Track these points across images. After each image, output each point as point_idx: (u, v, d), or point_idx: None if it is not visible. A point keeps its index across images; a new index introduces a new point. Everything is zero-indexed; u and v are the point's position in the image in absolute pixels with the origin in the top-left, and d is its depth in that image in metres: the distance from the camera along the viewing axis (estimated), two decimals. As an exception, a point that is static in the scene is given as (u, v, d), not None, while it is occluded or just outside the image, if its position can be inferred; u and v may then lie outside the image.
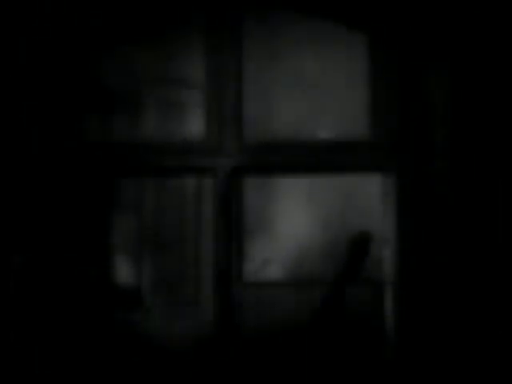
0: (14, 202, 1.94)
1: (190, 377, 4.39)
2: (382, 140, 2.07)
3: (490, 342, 1.85)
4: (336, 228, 4.56)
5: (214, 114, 2.09)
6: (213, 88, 2.10)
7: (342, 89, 4.59)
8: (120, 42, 4.57)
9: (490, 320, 1.86)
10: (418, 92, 2.02)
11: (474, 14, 1.93)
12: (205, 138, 2.08)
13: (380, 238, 2.62)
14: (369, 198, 3.95)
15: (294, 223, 4.69)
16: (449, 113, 1.95)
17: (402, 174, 2.03)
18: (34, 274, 1.94)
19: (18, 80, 1.98)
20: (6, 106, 1.96)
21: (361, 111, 4.15)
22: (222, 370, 2.00)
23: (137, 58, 4.78)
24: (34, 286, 1.93)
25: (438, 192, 1.94)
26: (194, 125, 4.63)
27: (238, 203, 4.66)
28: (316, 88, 4.63)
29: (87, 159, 2.09)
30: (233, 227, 3.33)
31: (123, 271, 4.96)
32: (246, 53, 2.11)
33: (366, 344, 4.22)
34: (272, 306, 4.54)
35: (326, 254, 4.58)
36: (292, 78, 4.68)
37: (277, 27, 4.51)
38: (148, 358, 4.49)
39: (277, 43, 4.62)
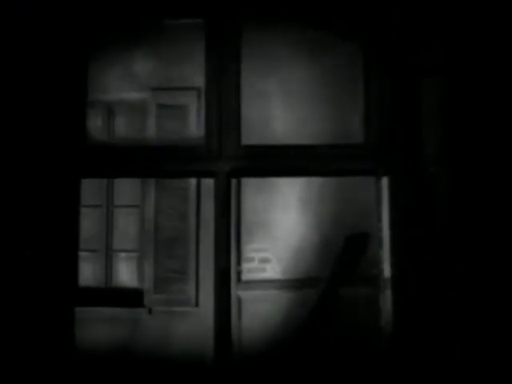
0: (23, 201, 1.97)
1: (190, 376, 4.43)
2: (376, 143, 2.11)
3: (487, 340, 1.87)
4: (333, 228, 4.60)
5: (213, 118, 2.13)
6: (212, 94, 2.14)
7: (337, 94, 4.64)
8: (121, 46, 4.61)
9: (488, 317, 1.88)
10: (411, 97, 2.06)
11: (468, 24, 1.97)
12: (205, 142, 2.12)
13: (376, 238, 2.67)
14: (365, 200, 3.98)
15: (291, 224, 4.73)
16: (441, 117, 1.99)
17: (395, 176, 2.07)
18: (42, 268, 1.97)
19: (18, 79, 2.01)
20: (5, 105, 1.99)
21: (355, 116, 4.20)
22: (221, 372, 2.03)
23: (138, 63, 4.82)
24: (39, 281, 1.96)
25: (431, 193, 1.97)
26: (194, 129, 4.67)
27: (238, 204, 4.70)
28: (312, 93, 4.68)
29: (90, 161, 2.13)
30: (232, 228, 3.35)
31: (124, 271, 5.00)
32: (245, 61, 2.15)
33: (364, 341, 4.26)
34: (270, 304, 4.58)
35: (323, 253, 4.62)
36: (289, 83, 4.73)
37: (275, 35, 4.56)
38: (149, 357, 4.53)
39: (275, 50, 4.67)
